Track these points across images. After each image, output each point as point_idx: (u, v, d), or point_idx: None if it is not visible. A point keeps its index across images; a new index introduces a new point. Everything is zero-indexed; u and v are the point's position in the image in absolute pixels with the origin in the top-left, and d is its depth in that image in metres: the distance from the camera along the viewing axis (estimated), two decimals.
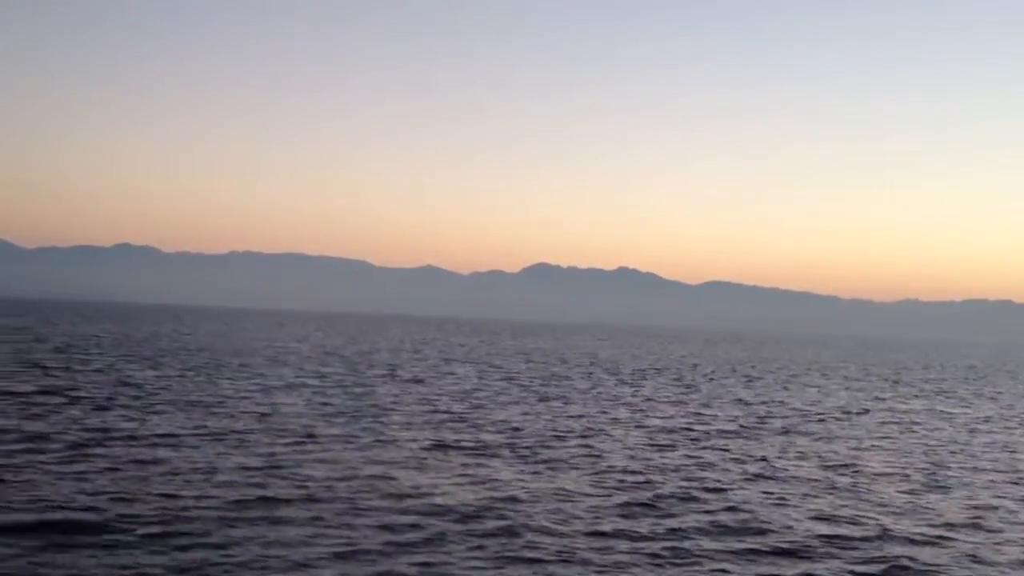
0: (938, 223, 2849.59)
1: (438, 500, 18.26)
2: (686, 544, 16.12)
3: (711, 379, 61.52)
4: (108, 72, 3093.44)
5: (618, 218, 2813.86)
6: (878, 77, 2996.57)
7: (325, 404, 33.77)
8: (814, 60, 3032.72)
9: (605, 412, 36.25)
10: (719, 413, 38.30)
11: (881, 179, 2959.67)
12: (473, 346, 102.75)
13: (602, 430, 30.47)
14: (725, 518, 18.10)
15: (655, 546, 15.85)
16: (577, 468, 22.79)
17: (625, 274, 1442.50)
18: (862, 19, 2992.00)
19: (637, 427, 31.89)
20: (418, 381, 47.08)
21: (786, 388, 55.86)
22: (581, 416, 34.34)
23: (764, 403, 44.08)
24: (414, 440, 25.86)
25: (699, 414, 37.51)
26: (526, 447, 25.70)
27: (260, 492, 18.01)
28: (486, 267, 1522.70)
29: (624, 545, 15.87)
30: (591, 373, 61.62)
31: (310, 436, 25.58)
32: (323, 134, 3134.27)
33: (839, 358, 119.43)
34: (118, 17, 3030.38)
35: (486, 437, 27.27)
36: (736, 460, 25.44)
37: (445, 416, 32.10)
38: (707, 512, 18.57)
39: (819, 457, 26.77)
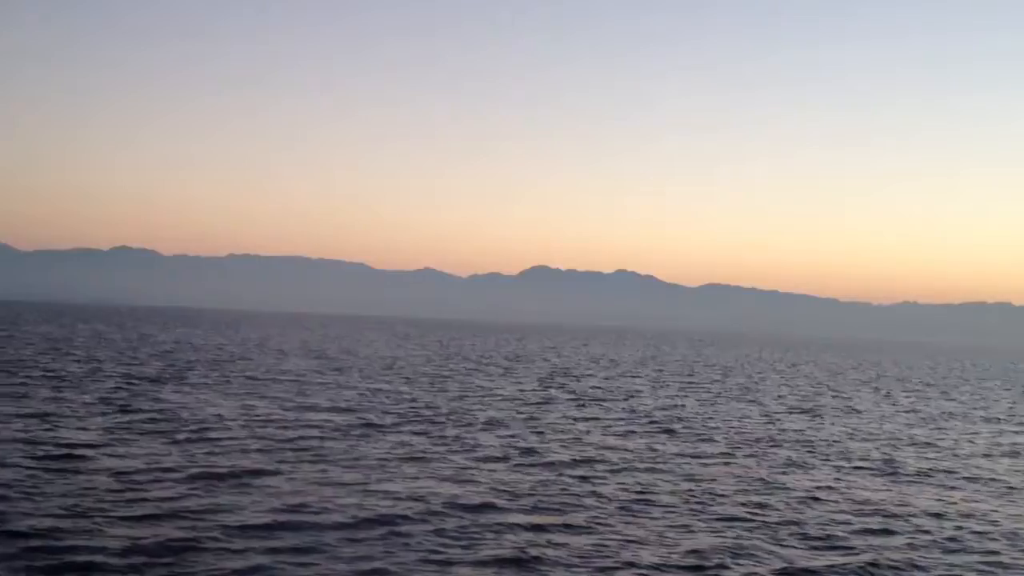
0: (936, 226, 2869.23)
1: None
2: None
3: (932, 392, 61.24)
4: (107, 74, 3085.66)
5: (616, 220, 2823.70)
6: (877, 80, 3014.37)
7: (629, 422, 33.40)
8: (813, 63, 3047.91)
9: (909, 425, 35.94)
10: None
11: (880, 182, 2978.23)
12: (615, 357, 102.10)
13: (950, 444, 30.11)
14: None
15: None
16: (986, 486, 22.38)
17: (623, 276, 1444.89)
18: (859, 22, 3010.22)
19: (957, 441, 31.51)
20: (631, 395, 46.74)
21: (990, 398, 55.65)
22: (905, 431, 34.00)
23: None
24: (800, 461, 25.50)
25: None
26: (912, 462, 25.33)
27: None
28: (485, 270, 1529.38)
29: None
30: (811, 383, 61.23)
31: (732, 458, 25.22)
32: (322, 136, 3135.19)
33: (933, 366, 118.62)
34: (117, 19, 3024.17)
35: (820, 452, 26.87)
36: None
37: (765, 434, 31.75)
38: None
39: None
